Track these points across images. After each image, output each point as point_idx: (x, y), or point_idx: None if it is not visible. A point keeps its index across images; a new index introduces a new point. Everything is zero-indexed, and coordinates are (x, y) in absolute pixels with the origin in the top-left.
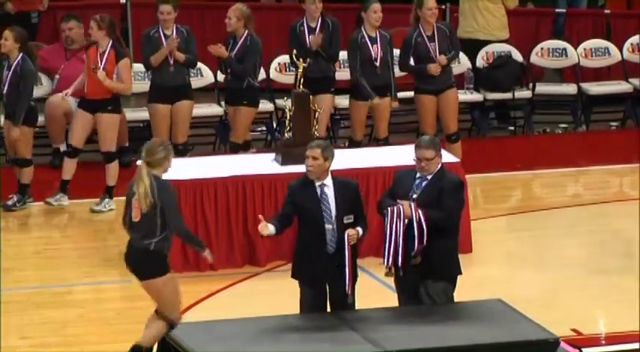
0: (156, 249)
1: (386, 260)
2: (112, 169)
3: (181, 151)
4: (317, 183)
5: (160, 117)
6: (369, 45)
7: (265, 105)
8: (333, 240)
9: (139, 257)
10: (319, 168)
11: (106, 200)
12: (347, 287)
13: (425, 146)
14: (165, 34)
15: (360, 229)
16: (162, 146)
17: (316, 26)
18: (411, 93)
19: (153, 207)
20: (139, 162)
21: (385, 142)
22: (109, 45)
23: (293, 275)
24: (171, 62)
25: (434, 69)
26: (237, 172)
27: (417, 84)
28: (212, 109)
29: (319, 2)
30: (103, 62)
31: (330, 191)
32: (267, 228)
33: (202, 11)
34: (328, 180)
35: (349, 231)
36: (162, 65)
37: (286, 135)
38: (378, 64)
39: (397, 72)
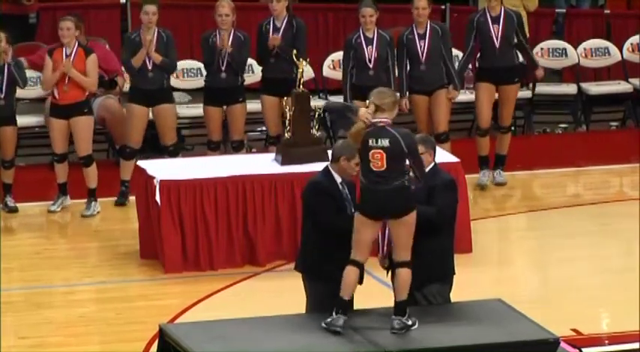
0: (408, 184)
1: (380, 249)
2: (92, 172)
3: (172, 152)
4: (338, 181)
5: (136, 118)
6: (364, 46)
7: None
8: None
9: (396, 195)
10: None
11: (93, 203)
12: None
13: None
14: (145, 38)
15: None
16: (391, 91)
17: (281, 26)
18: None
19: (401, 154)
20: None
21: None
22: (76, 45)
23: (309, 272)
24: (150, 67)
25: (403, 105)
26: (237, 172)
27: (409, 84)
28: None
29: (277, 2)
30: (71, 63)
31: (346, 189)
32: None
33: (202, 11)
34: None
35: None
36: (141, 69)
37: (286, 134)
38: (371, 65)
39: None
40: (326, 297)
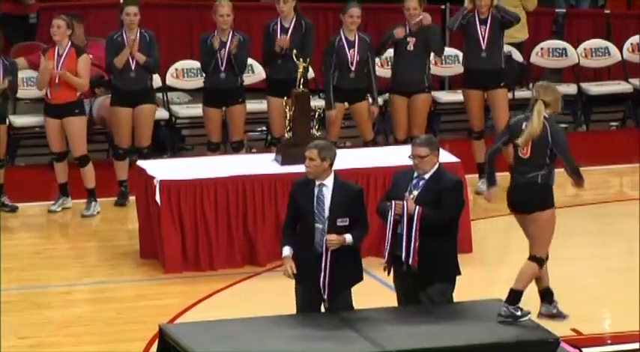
0: (542, 181)
1: (387, 253)
2: (89, 172)
3: (146, 155)
4: (317, 183)
5: (120, 120)
6: (346, 49)
7: (266, 106)
8: (322, 241)
9: (525, 191)
10: (316, 168)
11: (93, 203)
12: (322, 292)
13: (419, 143)
14: (128, 38)
15: (347, 236)
16: (555, 87)
17: (289, 27)
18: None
19: (543, 145)
20: (538, 103)
21: (373, 144)
22: (69, 44)
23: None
24: (133, 67)
25: (399, 33)
26: (237, 172)
27: (391, 84)
28: None
29: (284, 3)
30: (61, 62)
31: (327, 191)
32: (291, 272)
33: (202, 11)
34: (329, 180)
35: (328, 236)
36: (124, 69)
37: (286, 135)
38: (353, 68)
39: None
40: (300, 298)
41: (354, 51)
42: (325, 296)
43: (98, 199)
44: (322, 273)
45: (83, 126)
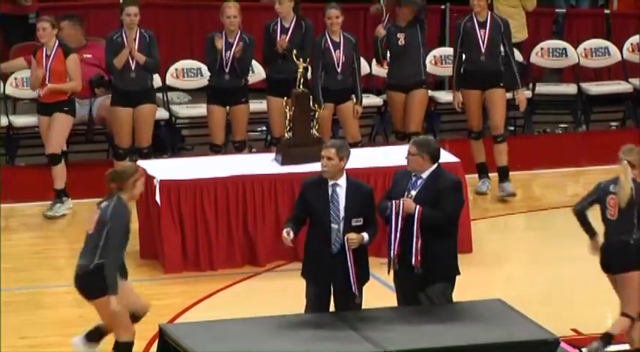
0: (635, 243)
1: (392, 252)
2: (60, 171)
3: (146, 155)
4: (330, 183)
5: (121, 120)
6: (332, 51)
7: (266, 106)
8: (337, 241)
9: (616, 252)
10: (334, 167)
11: (58, 205)
12: (353, 289)
13: (412, 141)
14: (128, 38)
15: (365, 234)
16: (638, 149)
17: (289, 27)
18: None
19: (630, 207)
20: (623, 163)
21: (361, 145)
22: (56, 44)
23: (301, 273)
24: (133, 67)
25: (379, 30)
26: (237, 172)
27: (388, 80)
28: None
29: (280, 4)
30: (49, 63)
31: (341, 191)
32: (289, 237)
33: (202, 11)
34: (342, 181)
35: (349, 235)
36: (124, 69)
37: (286, 135)
38: (339, 69)
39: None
40: (312, 299)
41: (339, 52)
42: (357, 292)
43: (99, 199)
44: (350, 271)
45: (67, 124)
